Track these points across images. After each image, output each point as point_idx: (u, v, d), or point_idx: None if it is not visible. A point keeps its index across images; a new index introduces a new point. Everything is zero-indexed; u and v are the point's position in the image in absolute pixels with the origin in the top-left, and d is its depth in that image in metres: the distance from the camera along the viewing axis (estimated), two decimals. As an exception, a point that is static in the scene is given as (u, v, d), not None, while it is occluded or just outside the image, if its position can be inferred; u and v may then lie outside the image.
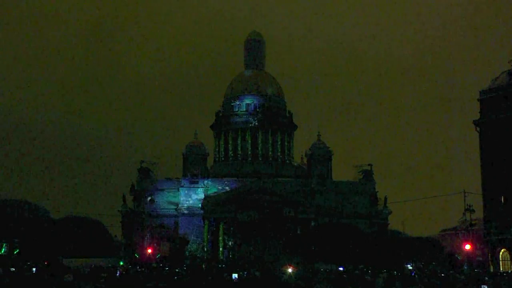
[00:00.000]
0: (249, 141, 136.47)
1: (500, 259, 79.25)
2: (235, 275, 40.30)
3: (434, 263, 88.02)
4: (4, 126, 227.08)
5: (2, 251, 78.87)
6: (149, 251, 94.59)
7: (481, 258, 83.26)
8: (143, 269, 57.73)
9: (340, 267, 72.18)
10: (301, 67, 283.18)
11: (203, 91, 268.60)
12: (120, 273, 48.25)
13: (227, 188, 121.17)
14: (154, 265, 79.95)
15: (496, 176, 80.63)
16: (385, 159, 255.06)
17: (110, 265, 69.41)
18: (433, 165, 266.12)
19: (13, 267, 50.94)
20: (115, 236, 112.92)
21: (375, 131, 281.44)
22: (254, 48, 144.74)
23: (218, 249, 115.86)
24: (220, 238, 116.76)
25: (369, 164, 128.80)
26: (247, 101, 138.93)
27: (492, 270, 70.64)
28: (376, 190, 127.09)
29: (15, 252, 77.41)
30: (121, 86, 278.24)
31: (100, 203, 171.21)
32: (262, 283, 34.96)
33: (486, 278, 41.65)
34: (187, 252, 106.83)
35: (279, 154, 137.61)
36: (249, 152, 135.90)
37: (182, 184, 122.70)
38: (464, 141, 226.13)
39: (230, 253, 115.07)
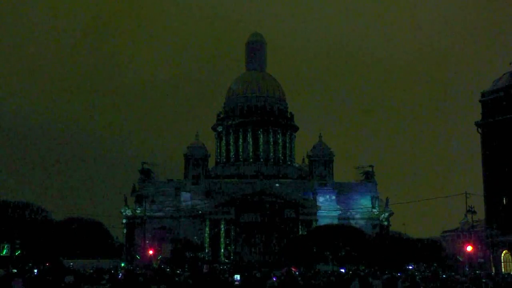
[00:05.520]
0: (251, 143, 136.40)
1: (502, 261, 79.22)
2: (237, 277, 40.24)
3: (435, 264, 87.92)
4: (5, 128, 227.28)
5: (4, 253, 78.91)
6: (151, 252, 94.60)
7: (482, 260, 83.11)
8: (144, 270, 57.69)
9: (342, 268, 72.07)
10: (302, 68, 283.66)
11: (204, 92, 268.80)
12: (123, 275, 48.15)
13: (228, 189, 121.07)
14: (155, 265, 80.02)
15: (498, 178, 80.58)
16: (386, 161, 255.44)
17: (111, 266, 69.51)
18: (435, 166, 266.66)
19: (14, 268, 50.97)
20: (116, 237, 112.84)
21: (377, 132, 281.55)
22: (256, 50, 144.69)
23: (220, 251, 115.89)
24: (222, 239, 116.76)
25: (370, 166, 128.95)
26: (248, 102, 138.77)
27: (493, 272, 70.46)
28: (378, 192, 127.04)
29: (16, 254, 77.41)
30: (122, 87, 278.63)
31: (101, 205, 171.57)
32: (263, 285, 34.88)
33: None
34: (188, 254, 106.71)
35: (280, 155, 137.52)
36: (251, 154, 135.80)
37: (183, 186, 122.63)
38: (465, 142, 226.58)
39: (232, 254, 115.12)
